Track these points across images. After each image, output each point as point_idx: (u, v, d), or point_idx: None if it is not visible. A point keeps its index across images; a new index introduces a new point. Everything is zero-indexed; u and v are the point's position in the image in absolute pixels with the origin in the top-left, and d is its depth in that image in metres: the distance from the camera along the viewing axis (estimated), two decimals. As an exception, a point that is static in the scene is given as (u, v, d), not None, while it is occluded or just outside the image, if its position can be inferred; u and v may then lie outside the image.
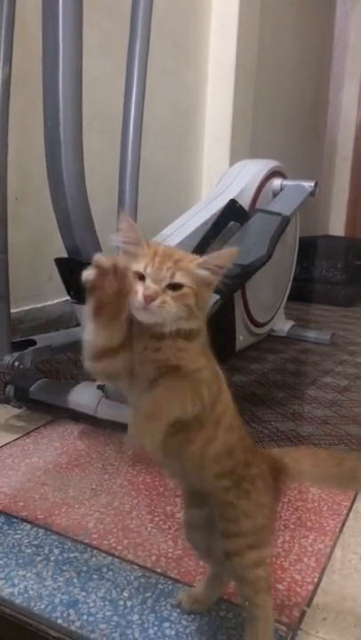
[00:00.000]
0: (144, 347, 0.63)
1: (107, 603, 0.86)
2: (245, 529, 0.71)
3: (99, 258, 0.59)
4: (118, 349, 0.63)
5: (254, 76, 2.89)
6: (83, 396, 1.47)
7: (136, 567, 0.94)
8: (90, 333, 0.63)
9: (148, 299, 0.60)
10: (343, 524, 1.09)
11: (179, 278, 0.62)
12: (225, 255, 0.64)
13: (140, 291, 0.61)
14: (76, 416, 1.48)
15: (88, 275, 0.59)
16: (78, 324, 1.54)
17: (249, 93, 2.88)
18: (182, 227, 1.63)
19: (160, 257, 0.63)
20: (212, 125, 2.80)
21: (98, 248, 1.32)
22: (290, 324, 2.39)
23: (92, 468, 1.26)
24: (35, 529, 1.03)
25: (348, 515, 1.12)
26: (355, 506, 1.15)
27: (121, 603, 0.86)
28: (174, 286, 0.62)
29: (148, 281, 0.61)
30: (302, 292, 2.82)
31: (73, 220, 1.25)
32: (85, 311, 0.62)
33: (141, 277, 0.62)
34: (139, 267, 0.62)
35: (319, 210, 4.48)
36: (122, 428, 1.42)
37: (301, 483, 1.14)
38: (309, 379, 1.87)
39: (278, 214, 1.73)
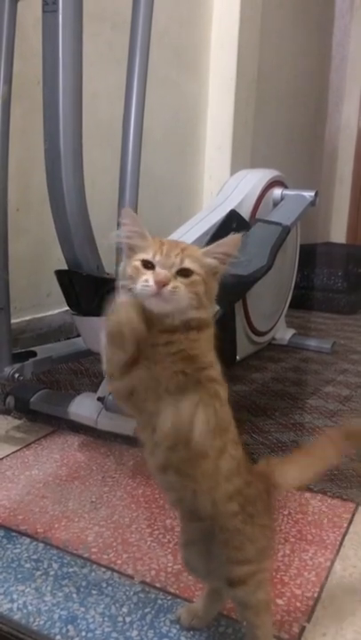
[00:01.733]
0: (155, 343, 0.63)
1: (106, 619, 0.86)
2: (250, 555, 0.71)
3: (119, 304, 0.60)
4: (138, 358, 0.63)
5: (255, 86, 2.90)
6: (83, 408, 1.46)
7: (135, 582, 0.94)
8: (108, 352, 0.63)
9: (160, 284, 0.60)
10: (343, 537, 1.09)
11: (188, 264, 0.62)
12: (229, 242, 0.65)
13: (150, 278, 0.61)
14: (76, 427, 1.48)
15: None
16: (78, 335, 1.54)
17: (250, 103, 2.89)
18: (183, 237, 1.63)
19: (167, 245, 0.63)
20: (212, 135, 2.81)
21: (98, 260, 1.32)
22: (291, 332, 2.38)
23: (93, 481, 1.26)
24: (34, 543, 1.03)
25: (348, 527, 1.12)
26: (355, 518, 1.15)
27: (120, 619, 0.86)
28: (184, 273, 0.62)
29: (157, 268, 0.62)
30: (303, 300, 2.82)
31: (73, 232, 1.26)
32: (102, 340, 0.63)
33: (149, 266, 0.62)
34: (147, 255, 0.63)
35: (320, 217, 4.49)
36: (122, 439, 1.42)
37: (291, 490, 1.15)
38: (311, 388, 1.87)
39: (279, 224, 1.74)
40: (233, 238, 0.65)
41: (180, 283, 0.61)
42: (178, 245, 0.64)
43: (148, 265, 0.63)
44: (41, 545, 1.03)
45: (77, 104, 1.18)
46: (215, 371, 0.66)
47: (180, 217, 2.41)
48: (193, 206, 2.82)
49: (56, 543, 1.03)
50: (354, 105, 4.89)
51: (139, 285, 0.62)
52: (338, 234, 4.97)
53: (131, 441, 1.40)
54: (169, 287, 0.61)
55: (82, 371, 1.93)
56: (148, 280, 0.61)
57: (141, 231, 0.66)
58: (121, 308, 0.62)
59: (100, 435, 1.45)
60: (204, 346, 0.65)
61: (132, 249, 0.65)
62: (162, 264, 0.62)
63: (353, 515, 1.16)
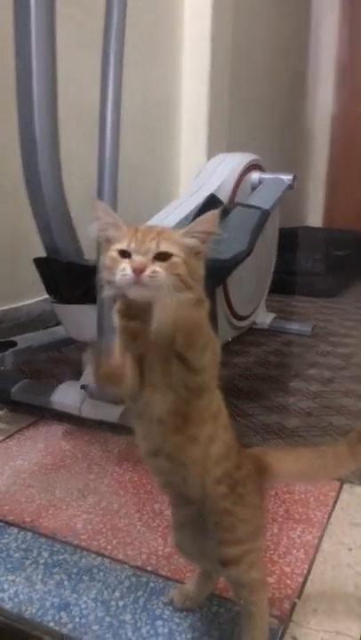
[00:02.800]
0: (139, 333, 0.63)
1: (98, 604, 0.86)
2: (241, 535, 0.71)
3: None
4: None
5: (229, 69, 2.88)
6: (66, 396, 1.45)
7: (127, 566, 0.94)
8: None
9: (138, 270, 0.60)
10: (330, 515, 1.10)
11: (165, 247, 0.61)
12: (207, 220, 0.64)
13: (127, 267, 0.60)
14: (59, 416, 1.47)
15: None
16: (58, 324, 1.52)
17: (224, 86, 2.87)
18: (163, 222, 1.62)
19: (142, 232, 0.63)
20: (188, 119, 2.79)
21: (77, 247, 1.31)
22: (271, 316, 2.39)
23: (78, 469, 1.25)
24: (22, 532, 1.02)
25: (334, 505, 1.13)
26: (340, 496, 1.16)
27: (113, 603, 0.86)
28: (162, 256, 0.61)
29: (133, 255, 0.61)
30: (283, 284, 2.82)
31: (51, 219, 1.24)
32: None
33: (125, 255, 0.62)
34: (122, 245, 0.62)
35: (297, 201, 4.50)
36: (106, 426, 1.41)
37: (284, 481, 1.12)
38: (293, 371, 1.88)
39: (258, 208, 1.74)
40: (210, 215, 0.65)
41: (158, 267, 0.61)
42: (153, 230, 0.63)
43: (124, 254, 0.62)
44: (29, 534, 1.02)
45: (52, 88, 1.15)
46: (213, 344, 0.66)
47: (157, 202, 2.39)
48: (170, 191, 2.80)
49: (44, 532, 1.03)
50: (329, 88, 4.90)
51: (117, 275, 0.61)
52: (314, 218, 4.99)
53: (115, 428, 1.40)
54: (147, 272, 0.60)
55: (62, 359, 1.92)
56: (125, 269, 0.61)
57: (115, 222, 0.65)
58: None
59: (83, 423, 1.44)
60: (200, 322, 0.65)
61: (108, 241, 0.65)
62: (137, 250, 0.61)
63: (338, 493, 1.17)
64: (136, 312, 0.63)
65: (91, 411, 1.39)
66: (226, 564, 0.72)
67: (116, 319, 0.67)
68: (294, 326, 2.35)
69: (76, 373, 1.70)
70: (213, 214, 0.65)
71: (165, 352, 0.63)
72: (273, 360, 2.00)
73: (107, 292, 0.65)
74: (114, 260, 0.62)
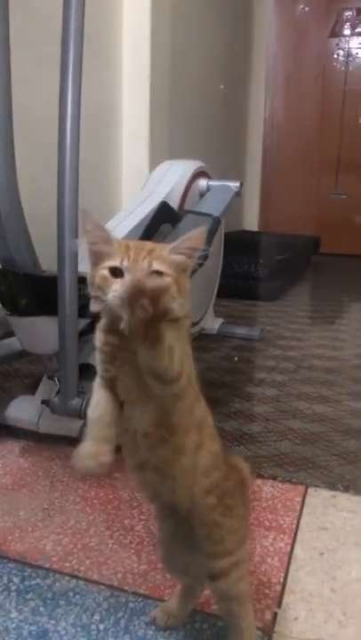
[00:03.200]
0: (132, 350, 0.61)
1: (78, 629, 0.83)
2: (230, 547, 0.71)
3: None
4: None
5: (169, 75, 2.89)
6: (22, 411, 1.41)
7: (103, 587, 0.92)
8: None
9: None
10: (299, 521, 1.11)
11: (157, 266, 0.60)
12: (194, 237, 0.64)
13: (120, 286, 0.59)
14: (14, 432, 1.41)
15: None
16: (7, 335, 1.47)
17: (164, 92, 2.87)
18: (115, 230, 1.60)
19: (134, 249, 0.61)
20: (129, 126, 2.77)
21: (34, 257, 1.27)
22: (219, 321, 2.41)
23: (41, 487, 1.21)
24: (-11, 558, 0.98)
25: (301, 510, 1.15)
26: (306, 501, 1.18)
27: (93, 627, 0.83)
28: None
29: (127, 275, 0.59)
30: (227, 289, 2.85)
31: (6, 228, 1.20)
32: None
33: (117, 273, 0.60)
34: (115, 262, 0.60)
35: (234, 205, 4.57)
36: (66, 441, 1.37)
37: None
38: (246, 375, 1.90)
39: (209, 215, 1.74)
40: (197, 232, 0.64)
41: None
42: (144, 248, 0.62)
43: (116, 272, 0.60)
44: (-3, 560, 0.98)
45: (6, 96, 1.12)
46: (189, 363, 0.65)
47: (100, 210, 2.37)
48: (113, 198, 2.78)
49: (12, 556, 0.99)
50: (260, 94, 5.02)
51: (110, 295, 0.59)
52: (250, 222, 5.09)
53: (75, 442, 1.36)
54: None
55: (11, 372, 1.86)
56: (117, 290, 0.59)
57: (105, 236, 0.63)
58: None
59: (41, 438, 1.40)
60: (177, 341, 0.64)
61: (97, 255, 0.63)
62: (130, 270, 0.60)
63: (304, 497, 1.19)
64: (116, 328, 0.62)
65: (49, 426, 1.36)
66: (215, 577, 0.72)
67: (97, 337, 0.66)
68: (242, 331, 2.38)
69: (30, 387, 1.66)
70: (201, 231, 0.64)
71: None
72: (225, 365, 2.01)
73: (94, 308, 0.63)
74: (105, 280, 0.60)
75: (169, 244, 0.64)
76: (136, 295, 0.56)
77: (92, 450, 0.64)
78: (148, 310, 0.56)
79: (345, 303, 3.13)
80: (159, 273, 0.61)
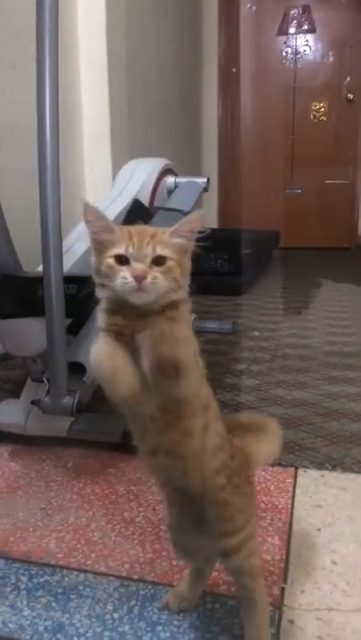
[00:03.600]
0: (136, 331, 0.63)
1: (93, 620, 0.84)
2: (240, 524, 0.73)
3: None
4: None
5: (126, 74, 2.90)
6: (7, 415, 1.40)
7: (112, 578, 0.93)
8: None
9: (140, 278, 0.60)
10: (293, 500, 1.15)
11: (160, 251, 0.62)
12: (193, 219, 0.66)
13: (128, 275, 0.61)
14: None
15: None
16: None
17: (123, 92, 2.88)
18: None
19: (137, 236, 0.63)
20: (90, 126, 2.77)
21: (15, 259, 1.26)
22: (192, 316, 2.43)
23: (36, 488, 1.21)
24: (-6, 560, 0.98)
25: (294, 490, 1.18)
26: (298, 482, 1.22)
27: (108, 617, 0.84)
28: (158, 261, 0.62)
29: (132, 262, 0.61)
30: (195, 284, 2.88)
31: (-14, 231, 1.19)
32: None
33: (122, 260, 0.62)
34: (119, 250, 0.62)
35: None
36: (55, 441, 1.37)
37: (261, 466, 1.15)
38: (224, 368, 1.93)
39: (180, 211, 1.76)
40: (196, 215, 0.67)
41: (157, 273, 0.62)
42: (146, 233, 0.64)
43: (121, 259, 0.62)
44: (1, 561, 0.97)
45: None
46: (194, 344, 0.67)
47: (64, 209, 2.36)
48: (77, 199, 2.76)
49: (17, 556, 0.99)
50: (213, 93, 5.07)
51: (117, 282, 0.61)
52: (210, 219, 5.13)
53: (64, 442, 1.37)
54: (149, 279, 0.61)
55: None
56: (125, 277, 0.61)
57: (108, 225, 0.64)
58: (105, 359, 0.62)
59: (28, 441, 1.39)
60: (182, 321, 0.66)
61: (101, 244, 0.64)
62: (135, 257, 0.62)
63: (295, 478, 1.23)
64: (121, 309, 0.64)
65: (37, 427, 1.35)
66: (228, 554, 0.74)
67: (100, 318, 0.67)
68: (215, 325, 2.41)
69: (10, 392, 1.64)
70: (199, 214, 0.67)
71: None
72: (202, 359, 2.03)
73: (101, 294, 0.65)
74: (111, 267, 0.62)
75: (168, 229, 0.66)
76: None
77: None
78: None
79: (309, 294, 3.20)
80: (163, 258, 0.63)
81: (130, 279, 0.61)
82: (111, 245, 0.63)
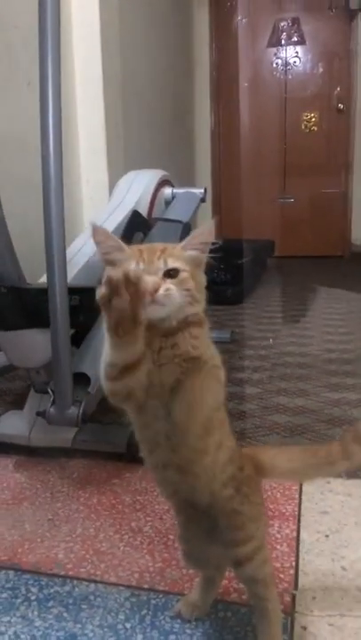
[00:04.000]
0: (159, 347, 0.63)
1: (106, 630, 0.84)
2: (251, 532, 0.73)
3: (108, 271, 0.57)
4: (140, 361, 0.62)
5: (121, 88, 2.92)
6: (11, 427, 1.40)
7: (122, 588, 0.93)
8: (111, 353, 0.61)
9: (153, 291, 0.60)
10: (300, 507, 1.15)
11: (172, 263, 0.63)
12: (205, 231, 0.67)
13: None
14: (2, 448, 1.40)
15: (100, 292, 0.57)
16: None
17: (118, 104, 2.90)
18: (88, 241, 1.61)
19: (147, 252, 0.64)
20: (86, 138, 2.79)
21: (18, 270, 1.27)
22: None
23: (42, 499, 1.21)
24: (3, 572, 0.97)
25: (300, 498, 1.19)
26: (303, 489, 1.22)
27: (120, 626, 0.84)
28: (171, 273, 0.62)
29: (144, 276, 0.61)
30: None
31: (-10, 243, 1.20)
32: (104, 331, 0.60)
33: None
34: (130, 266, 0.62)
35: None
36: (60, 452, 1.37)
37: (275, 479, 1.14)
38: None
39: (179, 222, 1.78)
40: (208, 226, 0.67)
41: (170, 284, 0.62)
42: (156, 248, 0.65)
43: None
44: (11, 572, 0.97)
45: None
46: (217, 360, 0.68)
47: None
48: (74, 211, 2.77)
49: (26, 567, 0.98)
50: (205, 105, 5.12)
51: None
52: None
53: (68, 452, 1.37)
54: (161, 291, 0.61)
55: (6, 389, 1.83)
56: None
57: (117, 244, 0.65)
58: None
59: (32, 452, 1.39)
60: (204, 342, 0.67)
61: (112, 263, 0.65)
62: (147, 271, 0.62)
63: (301, 485, 1.23)
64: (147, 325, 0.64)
65: (41, 438, 1.35)
66: (241, 562, 0.74)
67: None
68: (214, 334, 2.40)
69: (12, 404, 1.64)
70: (210, 225, 0.67)
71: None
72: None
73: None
74: None
75: (178, 244, 0.67)
76: None
77: None
78: None
79: (306, 302, 3.22)
80: (176, 270, 0.63)
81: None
82: (121, 263, 0.63)
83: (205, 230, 0.67)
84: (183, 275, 0.63)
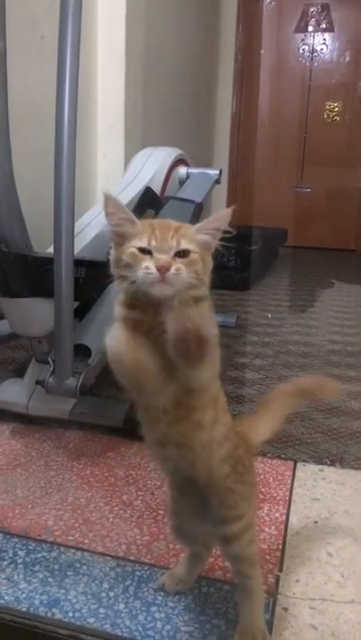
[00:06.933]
0: (156, 326, 0.62)
1: (89, 597, 0.85)
2: (243, 511, 0.74)
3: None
4: None
5: (142, 66, 2.89)
6: (10, 394, 1.41)
7: (109, 558, 0.94)
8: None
9: (163, 269, 0.60)
10: (291, 493, 1.15)
11: (185, 244, 0.62)
12: (221, 217, 0.66)
13: (151, 265, 0.60)
14: (1, 416, 1.41)
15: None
16: (1, 318, 1.46)
17: (138, 82, 2.87)
18: (99, 215, 1.61)
19: (159, 229, 0.63)
20: (104, 114, 2.77)
21: (26, 238, 1.27)
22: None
23: (36, 467, 1.22)
24: (-8, 534, 0.98)
25: (292, 483, 1.19)
26: (296, 475, 1.22)
27: (103, 594, 0.85)
28: (182, 254, 0.62)
29: (155, 253, 0.61)
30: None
31: (0, 210, 1.19)
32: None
33: (145, 252, 0.62)
34: (142, 242, 0.62)
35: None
36: (56, 422, 1.38)
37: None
38: (226, 360, 1.93)
39: (192, 201, 1.76)
40: (225, 212, 0.67)
41: (180, 264, 0.61)
42: (170, 226, 0.63)
43: (144, 251, 0.62)
44: (0, 535, 0.98)
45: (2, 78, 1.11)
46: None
47: (76, 195, 2.36)
48: (88, 186, 2.76)
49: (15, 531, 0.99)
50: (228, 88, 5.06)
51: (139, 273, 0.61)
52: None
53: (65, 423, 1.38)
54: (172, 271, 0.60)
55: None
56: (148, 267, 0.60)
57: (129, 217, 0.64)
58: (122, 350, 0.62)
59: (30, 421, 1.40)
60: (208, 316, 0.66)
61: (121, 236, 0.64)
62: (160, 249, 0.61)
63: (294, 471, 1.23)
64: (139, 303, 0.64)
65: (40, 408, 1.36)
66: (229, 540, 0.75)
67: (117, 310, 0.67)
68: (219, 318, 2.39)
69: (14, 372, 1.65)
70: (227, 212, 0.66)
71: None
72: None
73: (122, 287, 0.64)
74: (135, 257, 0.62)
75: (192, 225, 0.66)
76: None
77: None
78: None
79: (314, 293, 3.20)
80: (187, 251, 0.63)
81: (153, 270, 0.60)
82: (132, 238, 0.63)
83: (222, 216, 0.66)
84: (193, 256, 0.63)
